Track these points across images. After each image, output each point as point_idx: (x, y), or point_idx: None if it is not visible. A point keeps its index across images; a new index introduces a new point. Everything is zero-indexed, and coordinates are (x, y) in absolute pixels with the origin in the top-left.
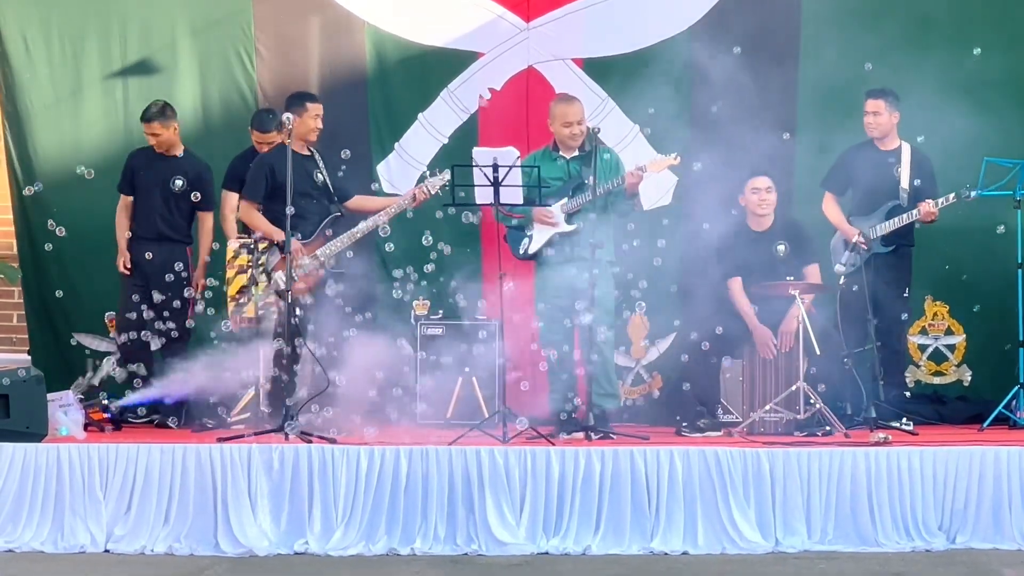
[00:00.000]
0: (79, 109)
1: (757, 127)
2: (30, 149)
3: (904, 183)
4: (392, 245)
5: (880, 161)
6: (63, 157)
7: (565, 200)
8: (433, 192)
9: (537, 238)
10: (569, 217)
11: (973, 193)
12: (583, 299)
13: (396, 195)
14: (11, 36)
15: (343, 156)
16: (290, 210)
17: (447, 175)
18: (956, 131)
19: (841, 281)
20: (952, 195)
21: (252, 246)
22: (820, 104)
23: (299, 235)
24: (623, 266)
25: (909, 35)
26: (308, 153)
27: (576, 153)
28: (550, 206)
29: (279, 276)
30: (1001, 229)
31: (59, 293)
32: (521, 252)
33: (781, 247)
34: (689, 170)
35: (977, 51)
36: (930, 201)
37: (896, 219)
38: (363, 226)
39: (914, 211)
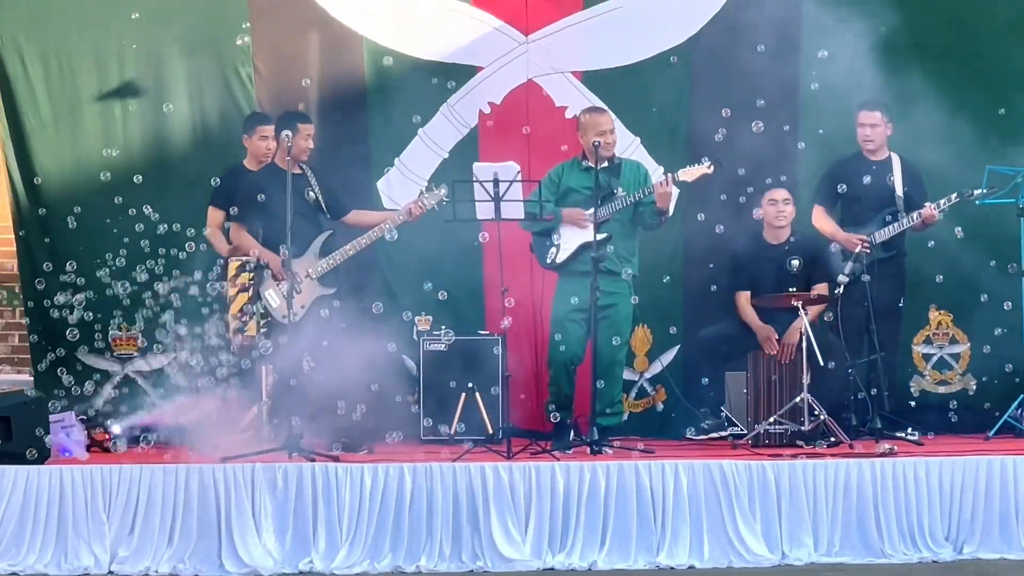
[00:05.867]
0: (78, 127)
1: (759, 138)
2: (31, 167)
3: (899, 190)
4: (393, 259)
5: (871, 172)
6: (63, 175)
7: (594, 209)
8: (429, 207)
9: (565, 247)
10: (598, 226)
11: (976, 192)
12: (602, 313)
13: (395, 210)
14: (8, 54)
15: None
16: (288, 232)
17: (443, 191)
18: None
19: (839, 291)
20: (955, 195)
21: (254, 265)
22: (823, 116)
23: (289, 253)
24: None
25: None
26: (299, 171)
27: (605, 164)
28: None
29: (269, 295)
30: (959, 232)
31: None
32: (548, 262)
33: (795, 262)
34: (691, 182)
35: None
36: (930, 204)
37: (897, 223)
38: (357, 243)
39: (914, 214)
